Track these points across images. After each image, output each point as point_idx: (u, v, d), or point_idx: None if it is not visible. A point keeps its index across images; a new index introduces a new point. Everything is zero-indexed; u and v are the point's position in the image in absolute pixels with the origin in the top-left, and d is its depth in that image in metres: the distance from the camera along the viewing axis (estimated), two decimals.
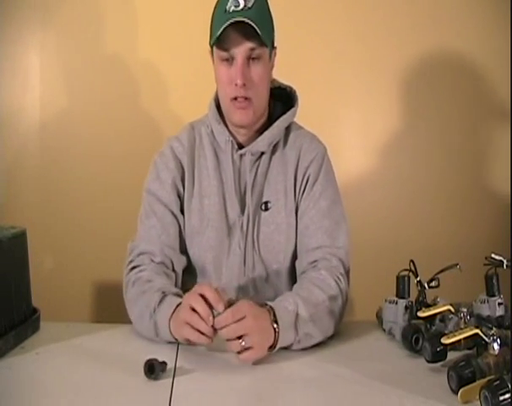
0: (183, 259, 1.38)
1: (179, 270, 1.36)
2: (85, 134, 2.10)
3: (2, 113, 2.06)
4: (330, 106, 2.12)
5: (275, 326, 1.13)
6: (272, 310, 1.14)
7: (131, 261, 1.34)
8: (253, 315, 1.10)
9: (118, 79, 2.09)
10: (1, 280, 1.18)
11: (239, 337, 1.08)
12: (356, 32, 2.10)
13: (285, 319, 1.15)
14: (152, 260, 1.32)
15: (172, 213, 1.36)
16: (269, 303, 1.17)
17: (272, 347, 1.13)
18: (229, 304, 1.11)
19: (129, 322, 1.29)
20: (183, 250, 1.38)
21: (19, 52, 2.07)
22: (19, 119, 2.08)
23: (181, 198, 1.38)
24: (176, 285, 1.34)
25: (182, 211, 1.38)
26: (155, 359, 1.05)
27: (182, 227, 1.37)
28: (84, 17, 2.07)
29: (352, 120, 2.16)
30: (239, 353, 1.09)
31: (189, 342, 1.16)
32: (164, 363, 1.07)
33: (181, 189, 1.38)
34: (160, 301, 1.21)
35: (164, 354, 1.14)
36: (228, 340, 1.09)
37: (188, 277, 1.41)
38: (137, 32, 2.08)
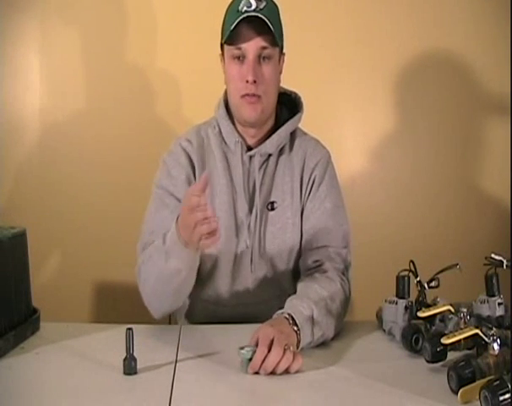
0: None
1: None
2: (86, 136, 2.09)
3: (3, 114, 2.06)
4: (329, 109, 2.12)
5: (296, 329, 1.14)
6: (291, 318, 1.15)
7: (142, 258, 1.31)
8: (278, 330, 1.10)
9: (121, 80, 2.09)
10: (1, 280, 1.18)
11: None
12: (354, 34, 2.10)
13: (305, 328, 1.16)
14: None
15: None
16: (287, 310, 1.17)
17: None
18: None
19: (129, 322, 1.28)
20: None
21: (19, 54, 2.06)
22: (19, 120, 2.08)
23: None
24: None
25: None
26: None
27: None
28: (85, 17, 2.07)
29: (351, 122, 2.16)
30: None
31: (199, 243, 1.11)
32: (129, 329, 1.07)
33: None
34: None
35: (164, 354, 1.15)
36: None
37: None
38: (136, 33, 2.08)
